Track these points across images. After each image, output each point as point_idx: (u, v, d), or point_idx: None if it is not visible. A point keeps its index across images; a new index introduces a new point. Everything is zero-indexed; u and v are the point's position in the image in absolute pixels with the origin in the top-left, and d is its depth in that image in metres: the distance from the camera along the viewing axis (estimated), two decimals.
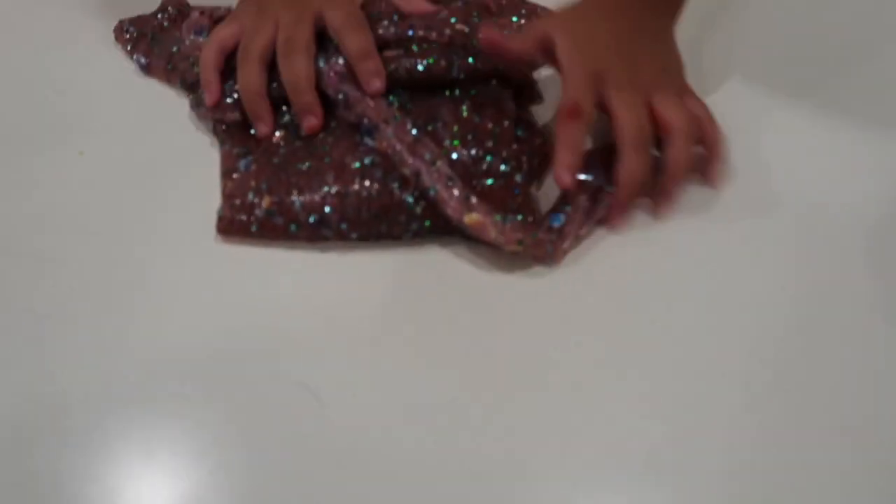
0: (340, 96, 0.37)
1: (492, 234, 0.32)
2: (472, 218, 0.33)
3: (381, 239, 0.35)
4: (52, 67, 0.43)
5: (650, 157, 0.35)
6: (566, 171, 0.33)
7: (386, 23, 0.39)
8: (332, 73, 0.37)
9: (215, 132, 0.39)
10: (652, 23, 0.39)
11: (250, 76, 0.37)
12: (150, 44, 0.43)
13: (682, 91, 0.37)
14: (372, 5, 0.41)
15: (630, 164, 0.34)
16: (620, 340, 0.32)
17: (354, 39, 0.37)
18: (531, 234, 0.33)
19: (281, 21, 0.38)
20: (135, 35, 0.43)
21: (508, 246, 0.33)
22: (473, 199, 0.33)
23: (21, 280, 0.34)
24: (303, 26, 0.38)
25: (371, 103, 0.36)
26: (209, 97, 0.38)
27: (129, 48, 0.43)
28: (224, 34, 0.39)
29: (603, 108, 0.35)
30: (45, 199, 0.37)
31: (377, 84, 0.36)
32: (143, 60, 0.43)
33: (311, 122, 0.37)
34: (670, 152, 0.35)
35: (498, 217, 0.33)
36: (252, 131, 0.38)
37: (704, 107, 0.37)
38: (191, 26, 0.42)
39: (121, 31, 0.44)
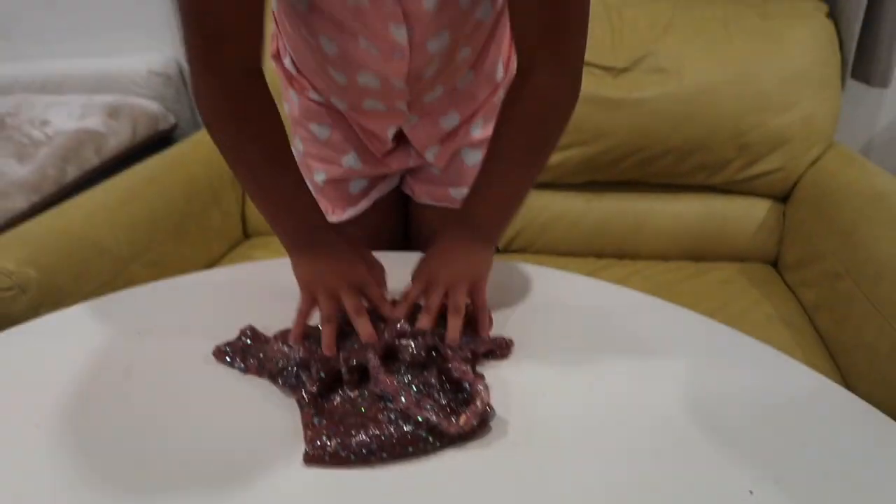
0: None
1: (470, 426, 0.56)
2: (460, 427, 0.55)
3: (410, 458, 0.55)
4: (174, 379, 0.66)
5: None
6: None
7: (402, 323, 0.64)
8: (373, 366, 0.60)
9: (298, 402, 0.60)
10: (472, 247, 0.70)
11: (331, 332, 0.63)
12: (244, 355, 0.66)
13: (472, 286, 0.67)
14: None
15: (423, 320, 0.65)
16: None
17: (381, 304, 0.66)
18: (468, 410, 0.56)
19: (343, 296, 0.64)
20: (230, 352, 0.67)
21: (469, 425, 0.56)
22: (455, 419, 0.55)
23: None
24: (355, 297, 0.65)
25: (390, 382, 0.59)
26: (294, 338, 0.64)
27: (227, 360, 0.66)
28: (305, 309, 0.66)
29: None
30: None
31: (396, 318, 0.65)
32: (242, 366, 0.66)
33: (371, 338, 0.63)
34: (449, 321, 0.66)
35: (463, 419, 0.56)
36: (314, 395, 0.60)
37: (481, 298, 0.68)
38: (276, 341, 0.66)
39: (220, 352, 0.67)
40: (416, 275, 0.70)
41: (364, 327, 0.64)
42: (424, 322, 0.65)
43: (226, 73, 0.63)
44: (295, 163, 0.70)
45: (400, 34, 0.71)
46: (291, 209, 0.70)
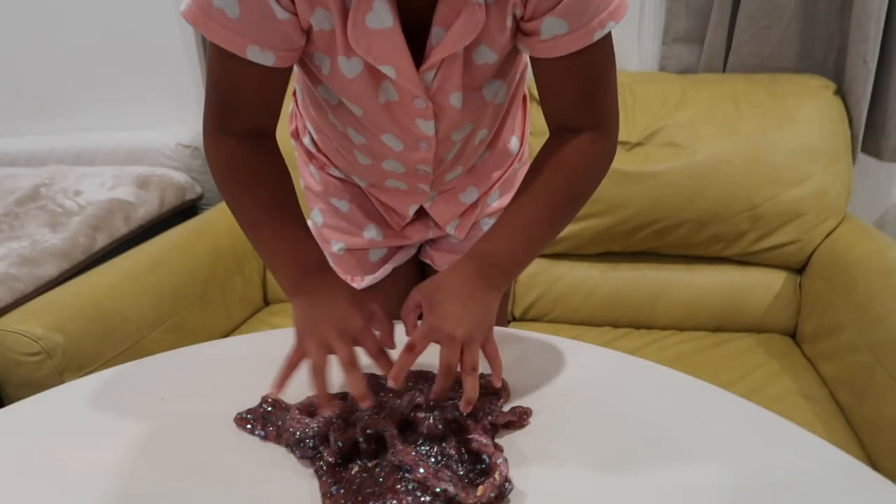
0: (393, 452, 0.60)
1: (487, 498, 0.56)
2: (477, 498, 0.55)
3: None
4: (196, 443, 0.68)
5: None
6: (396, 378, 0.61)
7: (418, 393, 0.65)
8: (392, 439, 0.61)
9: (316, 472, 0.61)
10: (486, 297, 0.66)
11: (321, 383, 0.60)
12: (264, 422, 0.67)
13: (485, 338, 0.64)
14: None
15: (442, 381, 0.61)
16: None
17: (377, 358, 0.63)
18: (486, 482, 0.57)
19: (334, 346, 0.61)
20: (251, 419, 0.68)
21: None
22: (473, 491, 0.56)
23: None
24: (347, 347, 0.61)
25: (408, 452, 0.59)
26: (276, 386, 0.63)
27: (248, 427, 0.67)
28: (294, 360, 0.63)
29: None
30: None
31: (395, 377, 0.61)
32: (262, 433, 0.67)
33: (367, 403, 0.59)
34: (465, 381, 0.62)
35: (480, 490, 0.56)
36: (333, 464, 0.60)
37: (493, 347, 0.65)
38: (294, 411, 0.66)
39: (241, 419, 0.68)
40: (426, 327, 0.63)
41: (355, 383, 0.60)
42: (444, 384, 0.62)
43: (237, 133, 0.68)
44: (300, 211, 0.71)
45: (428, 128, 0.74)
46: (292, 254, 0.70)
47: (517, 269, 0.70)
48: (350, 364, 0.60)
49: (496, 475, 0.57)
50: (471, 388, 0.61)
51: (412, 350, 0.62)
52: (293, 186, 0.71)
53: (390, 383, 0.61)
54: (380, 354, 0.63)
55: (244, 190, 0.69)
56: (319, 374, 0.61)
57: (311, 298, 0.66)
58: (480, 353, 0.64)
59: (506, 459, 0.60)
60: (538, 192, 0.69)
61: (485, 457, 0.59)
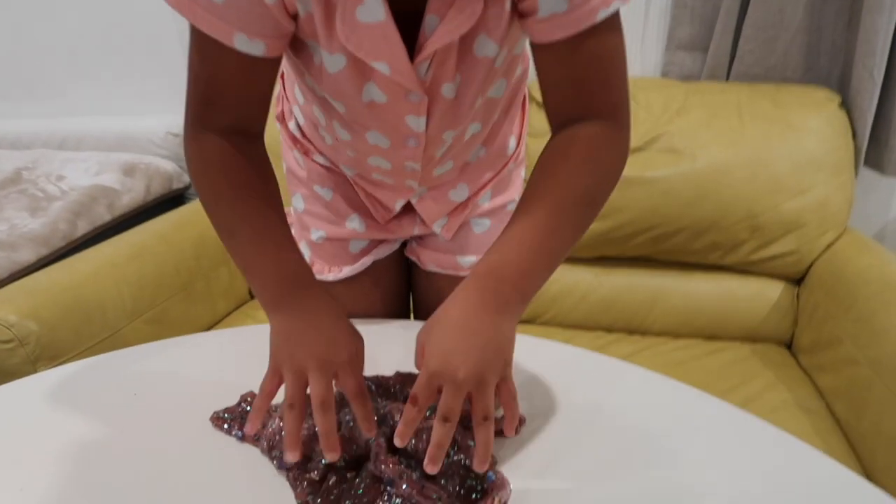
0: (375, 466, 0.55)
1: None
2: None
3: None
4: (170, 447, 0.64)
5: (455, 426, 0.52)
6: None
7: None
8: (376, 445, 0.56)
9: (290, 480, 0.57)
10: (496, 324, 0.56)
11: (294, 421, 0.54)
12: (242, 422, 0.62)
13: (501, 378, 0.55)
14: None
15: (438, 431, 0.52)
16: None
17: (357, 401, 0.56)
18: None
19: (310, 378, 0.55)
20: (229, 419, 0.63)
21: None
22: None
23: None
24: (323, 383, 0.55)
25: (392, 465, 0.54)
26: (250, 428, 0.57)
27: (225, 427, 0.63)
28: (269, 388, 0.57)
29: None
30: None
31: (368, 428, 0.55)
32: (239, 434, 0.62)
33: (332, 456, 0.54)
34: (477, 434, 0.53)
35: None
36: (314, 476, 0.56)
37: (509, 389, 0.56)
38: (278, 419, 0.60)
39: (217, 418, 0.64)
40: (426, 373, 0.54)
41: (324, 424, 0.53)
42: (440, 437, 0.52)
43: (218, 130, 0.61)
44: (285, 220, 0.65)
45: (418, 124, 0.69)
46: (273, 265, 0.62)
47: (531, 285, 0.59)
48: (322, 404, 0.54)
49: (495, 499, 0.53)
50: (484, 444, 0.53)
51: (415, 403, 0.53)
52: (279, 193, 0.65)
53: (396, 443, 0.54)
54: (358, 397, 0.56)
55: (222, 193, 0.62)
56: (295, 411, 0.54)
57: (293, 317, 0.60)
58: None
59: (506, 482, 0.56)
60: (549, 192, 0.60)
61: (490, 474, 0.55)
